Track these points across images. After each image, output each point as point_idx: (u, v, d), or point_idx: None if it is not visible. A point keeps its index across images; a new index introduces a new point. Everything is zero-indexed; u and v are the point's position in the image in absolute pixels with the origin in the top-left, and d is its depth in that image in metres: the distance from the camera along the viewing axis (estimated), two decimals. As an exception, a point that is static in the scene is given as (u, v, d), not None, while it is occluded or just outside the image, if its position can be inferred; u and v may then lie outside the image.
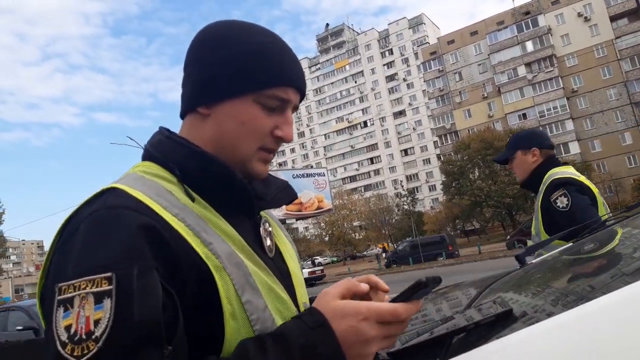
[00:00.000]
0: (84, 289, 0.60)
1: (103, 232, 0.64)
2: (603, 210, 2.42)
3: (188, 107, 0.83)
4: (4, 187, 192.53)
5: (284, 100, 0.80)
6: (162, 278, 0.64)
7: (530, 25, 56.85)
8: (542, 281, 1.31)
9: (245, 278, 0.71)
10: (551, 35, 55.89)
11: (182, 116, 0.85)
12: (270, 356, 0.63)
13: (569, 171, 2.50)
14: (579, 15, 54.66)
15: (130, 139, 23.94)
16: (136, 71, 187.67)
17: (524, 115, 57.02)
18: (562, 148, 54.33)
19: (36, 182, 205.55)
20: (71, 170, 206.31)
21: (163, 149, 0.80)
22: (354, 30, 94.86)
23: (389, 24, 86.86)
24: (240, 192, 0.78)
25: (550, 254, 1.72)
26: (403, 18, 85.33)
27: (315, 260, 53.84)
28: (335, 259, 65.09)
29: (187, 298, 0.66)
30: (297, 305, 0.81)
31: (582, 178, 2.45)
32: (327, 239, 61.35)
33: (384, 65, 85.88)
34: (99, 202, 0.69)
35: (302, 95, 0.85)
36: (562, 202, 2.33)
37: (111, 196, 0.69)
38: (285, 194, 0.92)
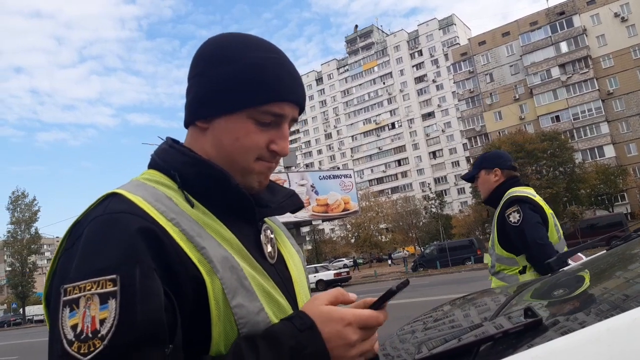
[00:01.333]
0: (90, 290, 0.63)
1: (105, 235, 0.67)
2: (554, 231, 2.63)
3: (188, 120, 0.86)
4: (40, 186, 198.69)
5: (278, 115, 0.81)
6: (161, 280, 0.67)
7: (565, 25, 55.57)
8: (574, 289, 1.28)
9: (239, 281, 0.73)
10: (586, 35, 54.51)
11: (186, 126, 0.88)
12: (262, 357, 0.67)
13: (527, 191, 2.73)
14: (616, 15, 53.15)
15: (161, 139, 24.41)
16: (169, 73, 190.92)
17: (557, 117, 55.76)
18: (596, 152, 52.92)
19: (71, 181, 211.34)
20: (104, 170, 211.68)
21: (165, 157, 0.83)
22: (383, 31, 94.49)
23: (418, 25, 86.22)
24: (237, 197, 0.81)
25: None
26: (433, 19, 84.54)
27: (357, 261, 53.44)
28: (360, 260, 64.87)
29: (181, 300, 0.69)
30: None
31: (538, 198, 2.69)
32: (353, 240, 61.21)
33: (413, 66, 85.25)
34: (102, 207, 0.72)
35: (301, 109, 0.86)
36: (514, 217, 2.57)
37: (113, 201, 0.72)
38: (290, 202, 0.93)
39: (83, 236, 0.68)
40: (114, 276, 0.63)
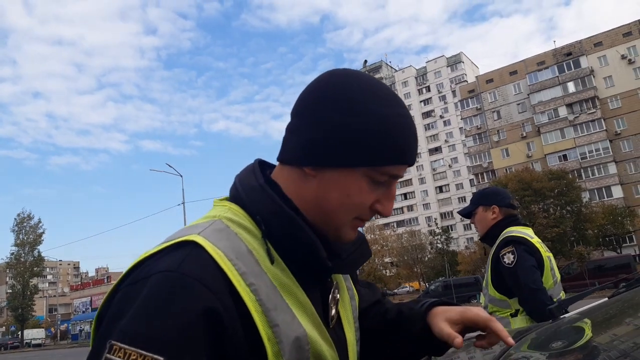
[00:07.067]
0: None
1: (169, 302, 0.64)
2: (549, 275, 2.56)
3: (293, 162, 0.79)
4: (48, 208, 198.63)
5: (394, 176, 0.78)
6: None
7: (572, 66, 56.16)
8: (578, 337, 1.25)
9: None
10: (594, 76, 54.99)
11: (282, 162, 0.82)
12: None
13: (524, 232, 2.66)
14: (623, 57, 53.70)
15: (169, 166, 24.63)
16: (184, 102, 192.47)
17: (564, 156, 55.76)
18: (604, 192, 52.63)
19: (79, 204, 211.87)
20: (114, 194, 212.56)
21: (255, 198, 0.78)
22: (391, 67, 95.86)
23: (427, 62, 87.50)
24: (321, 267, 0.77)
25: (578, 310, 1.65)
26: (441, 56, 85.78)
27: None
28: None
29: None
30: None
31: (535, 240, 2.62)
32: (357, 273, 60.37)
33: (420, 101, 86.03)
34: (177, 257, 0.68)
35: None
36: (508, 258, 2.51)
37: (191, 257, 0.68)
38: (360, 254, 0.86)
39: (147, 286, 0.65)
40: (161, 359, 0.61)
